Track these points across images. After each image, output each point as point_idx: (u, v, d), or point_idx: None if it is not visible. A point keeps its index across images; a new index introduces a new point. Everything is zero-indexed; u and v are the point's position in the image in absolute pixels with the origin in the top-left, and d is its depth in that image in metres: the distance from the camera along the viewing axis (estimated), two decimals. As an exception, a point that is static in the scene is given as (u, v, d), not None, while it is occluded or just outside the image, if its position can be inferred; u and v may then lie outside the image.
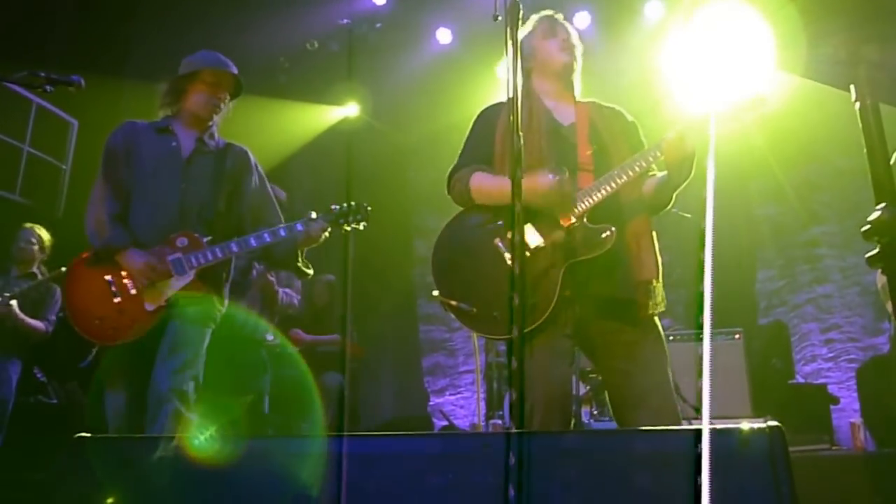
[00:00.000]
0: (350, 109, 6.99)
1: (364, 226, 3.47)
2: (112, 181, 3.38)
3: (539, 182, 2.70)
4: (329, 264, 5.78)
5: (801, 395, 5.32)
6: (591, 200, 2.79)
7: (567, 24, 3.11)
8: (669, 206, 2.92)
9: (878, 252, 1.57)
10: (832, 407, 5.32)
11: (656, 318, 2.83)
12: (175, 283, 3.31)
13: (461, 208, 3.00)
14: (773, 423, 1.37)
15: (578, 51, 3.05)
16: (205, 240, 3.35)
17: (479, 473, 1.72)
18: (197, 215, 3.40)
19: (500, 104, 3.01)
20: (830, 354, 5.70)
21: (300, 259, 3.49)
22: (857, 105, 1.66)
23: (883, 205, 1.56)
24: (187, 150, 3.47)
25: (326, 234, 3.44)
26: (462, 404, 7.10)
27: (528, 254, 2.77)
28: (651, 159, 2.78)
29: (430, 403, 7.09)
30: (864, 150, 1.63)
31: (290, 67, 6.69)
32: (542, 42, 3.02)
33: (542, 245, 2.79)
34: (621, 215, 2.82)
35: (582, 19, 6.17)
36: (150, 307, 3.29)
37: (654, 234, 2.87)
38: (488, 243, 2.82)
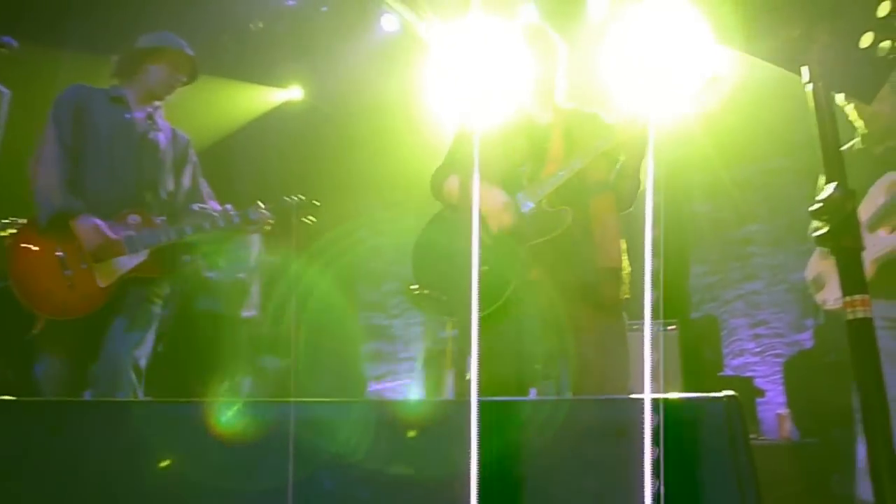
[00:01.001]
0: (293, 92, 6.86)
1: (312, 220, 3.50)
2: (63, 142, 3.24)
3: (491, 198, 2.96)
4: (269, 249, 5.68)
5: (729, 387, 5.39)
6: (548, 187, 2.97)
7: (548, 29, 3.23)
8: (639, 189, 2.97)
9: (827, 231, 1.57)
10: (758, 399, 5.45)
11: (621, 306, 2.92)
12: (128, 261, 3.21)
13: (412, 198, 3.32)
14: (729, 392, 1.36)
15: (560, 56, 3.19)
16: (159, 220, 3.27)
17: (434, 440, 1.74)
18: (151, 193, 3.32)
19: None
20: (758, 349, 5.81)
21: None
22: (810, 87, 1.65)
23: (834, 183, 1.55)
24: (141, 126, 3.38)
25: (270, 224, 3.42)
26: (401, 391, 7.06)
27: (489, 240, 2.97)
28: (604, 143, 2.87)
29: (369, 389, 7.03)
30: (816, 131, 1.63)
31: (234, 47, 6.51)
32: (522, 44, 3.07)
33: (502, 228, 2.96)
34: (585, 201, 2.95)
35: (528, 13, 6.16)
36: (101, 284, 3.17)
37: (618, 221, 2.94)
38: (459, 234, 2.94)
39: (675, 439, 1.15)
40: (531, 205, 2.97)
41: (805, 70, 1.66)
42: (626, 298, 2.93)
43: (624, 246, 2.97)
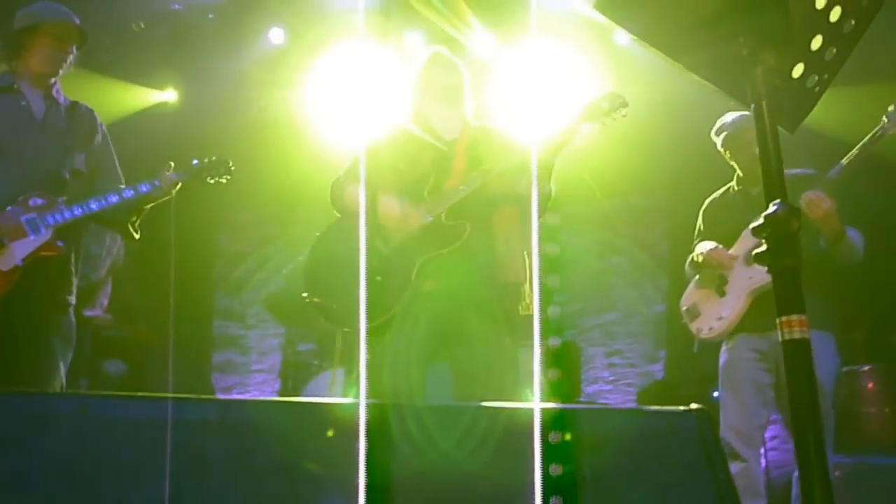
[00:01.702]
0: (168, 95, 6.44)
1: (227, 179, 3.31)
2: None
3: (391, 209, 2.94)
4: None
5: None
6: (448, 200, 2.93)
7: (452, 57, 3.28)
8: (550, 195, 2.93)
9: (766, 250, 1.50)
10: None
11: (519, 322, 2.87)
12: (30, 242, 3.01)
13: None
14: (696, 406, 1.26)
15: (464, 75, 3.22)
16: (60, 199, 3.08)
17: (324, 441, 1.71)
18: (55, 176, 3.12)
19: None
20: (611, 378, 5.91)
21: (134, 222, 3.27)
22: (753, 106, 1.59)
23: (777, 201, 1.48)
24: (39, 112, 3.16)
25: (177, 188, 3.22)
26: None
27: (386, 250, 2.92)
28: (506, 162, 2.86)
29: (215, 400, 6.64)
30: (757, 150, 1.57)
31: (113, 46, 6.06)
32: (427, 67, 3.21)
33: (400, 239, 2.92)
34: (487, 214, 2.94)
35: (413, 41, 6.06)
36: (5, 266, 2.97)
37: (522, 235, 2.91)
38: (353, 244, 2.90)
39: (649, 451, 1.03)
40: (430, 217, 2.93)
41: (749, 87, 1.60)
42: (528, 315, 2.86)
43: (528, 261, 2.91)
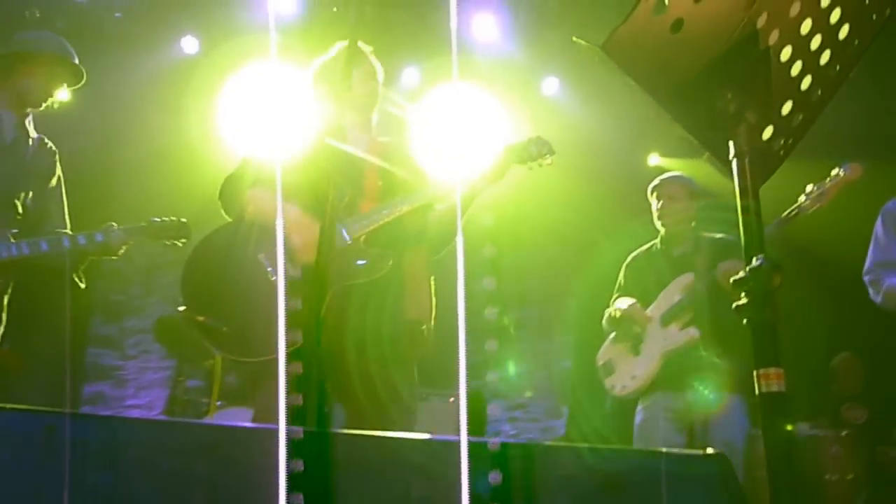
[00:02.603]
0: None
1: (183, 242, 3.18)
2: None
3: (304, 226, 2.61)
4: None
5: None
6: (366, 224, 2.76)
7: (371, 56, 3.05)
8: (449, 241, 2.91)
9: (747, 303, 1.59)
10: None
11: (413, 362, 2.79)
12: None
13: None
14: (712, 450, 1.32)
15: (380, 85, 3.05)
16: (9, 233, 3.01)
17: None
18: (7, 205, 3.06)
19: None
20: (513, 431, 5.97)
21: (78, 270, 3.19)
22: (735, 162, 1.70)
23: (760, 256, 1.58)
24: (9, 135, 3.11)
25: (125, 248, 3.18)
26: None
27: (291, 272, 2.65)
28: (432, 191, 2.82)
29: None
30: (737, 204, 1.67)
31: (-1, 34, 5.76)
32: (346, 67, 2.85)
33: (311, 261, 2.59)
34: (400, 249, 2.82)
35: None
36: None
37: (431, 275, 2.86)
38: (250, 257, 2.67)
39: (673, 494, 1.07)
40: (349, 239, 2.71)
41: (732, 144, 1.71)
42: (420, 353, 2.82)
43: (433, 303, 2.88)
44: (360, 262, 2.71)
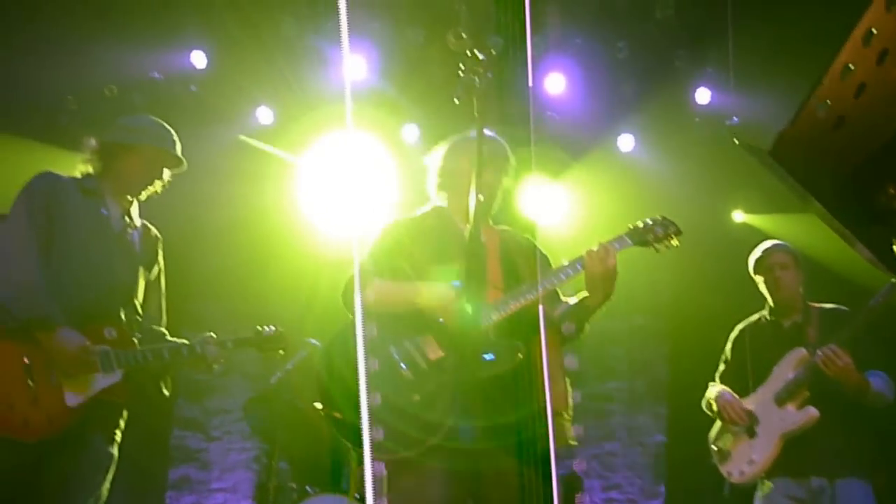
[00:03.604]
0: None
1: (302, 355, 3.27)
2: (37, 236, 2.91)
3: (442, 292, 2.71)
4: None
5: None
6: (499, 314, 2.73)
7: (502, 144, 3.07)
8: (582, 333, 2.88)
9: None
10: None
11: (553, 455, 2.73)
12: (101, 380, 2.88)
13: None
14: None
15: (506, 170, 3.04)
16: (135, 337, 3.02)
17: None
18: (127, 303, 3.05)
19: (412, 218, 3.06)
20: (612, 513, 5.84)
21: (166, 378, 3.21)
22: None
23: None
24: (117, 225, 3.12)
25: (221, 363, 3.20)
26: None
27: (425, 367, 2.69)
28: (570, 274, 2.80)
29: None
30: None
31: (78, 109, 6.00)
32: (462, 162, 2.95)
33: (442, 356, 2.69)
34: (530, 336, 2.77)
35: (411, 132, 6.18)
36: (71, 401, 2.81)
37: (563, 360, 2.82)
38: (382, 352, 2.72)
39: None
40: (491, 320, 2.69)
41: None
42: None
43: (569, 388, 2.86)
44: (487, 356, 2.65)
